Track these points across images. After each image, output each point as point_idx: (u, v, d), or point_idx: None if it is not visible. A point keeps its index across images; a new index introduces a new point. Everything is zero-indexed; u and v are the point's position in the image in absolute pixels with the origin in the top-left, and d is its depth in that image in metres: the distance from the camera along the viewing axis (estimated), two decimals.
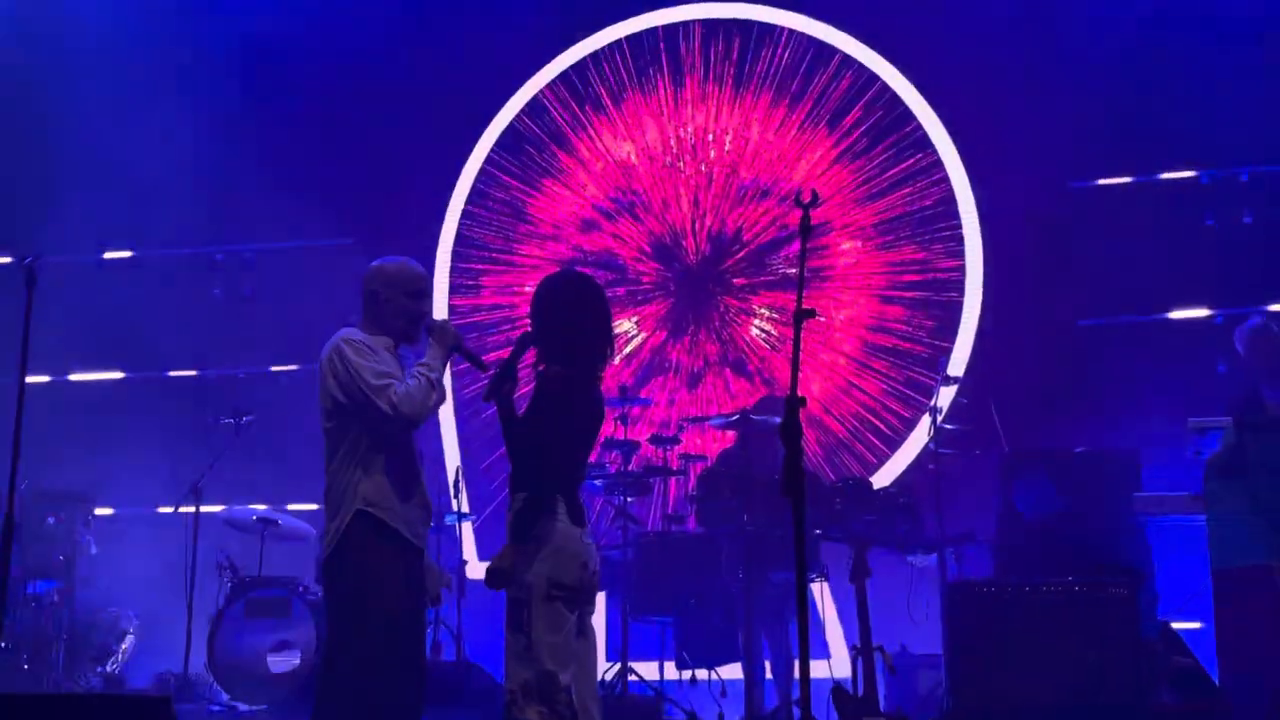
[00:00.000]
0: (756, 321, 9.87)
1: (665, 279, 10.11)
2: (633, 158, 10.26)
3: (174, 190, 10.35)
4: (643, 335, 10.05)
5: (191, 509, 7.75)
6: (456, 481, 8.55)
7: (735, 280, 9.95)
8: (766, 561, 7.13)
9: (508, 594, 4.35)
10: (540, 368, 4.52)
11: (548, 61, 10.42)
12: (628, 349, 9.93)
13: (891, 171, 9.76)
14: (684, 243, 10.13)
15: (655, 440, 7.92)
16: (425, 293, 4.88)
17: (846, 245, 9.75)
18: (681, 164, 10.24)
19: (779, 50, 10.10)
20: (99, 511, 9.40)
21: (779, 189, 10.02)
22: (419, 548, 4.76)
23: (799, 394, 3.68)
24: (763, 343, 9.85)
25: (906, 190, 9.70)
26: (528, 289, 10.14)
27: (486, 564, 4.38)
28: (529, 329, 4.59)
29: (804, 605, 3.56)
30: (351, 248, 10.17)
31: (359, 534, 4.62)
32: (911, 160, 9.70)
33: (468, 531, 9.39)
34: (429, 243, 10.23)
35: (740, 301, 9.92)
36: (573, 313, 4.49)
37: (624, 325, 9.95)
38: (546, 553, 4.29)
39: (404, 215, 10.29)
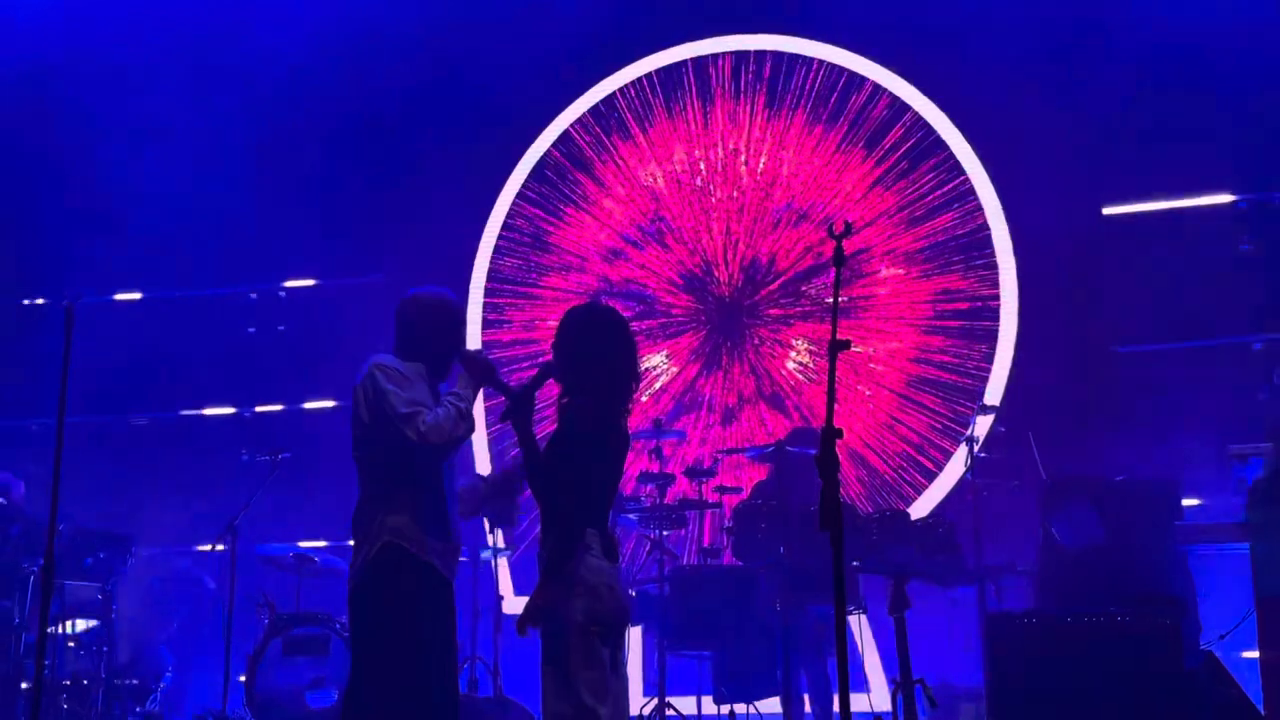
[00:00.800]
0: (793, 354, 9.83)
1: (696, 311, 10.10)
2: (659, 182, 10.24)
3: (207, 230, 10.47)
4: (674, 370, 10.04)
5: (228, 547, 7.77)
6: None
7: (770, 311, 9.92)
8: (804, 594, 7.10)
9: (543, 629, 4.35)
10: (564, 401, 4.52)
11: (579, 95, 10.49)
12: (658, 384, 9.91)
13: (932, 196, 9.68)
14: (715, 273, 10.10)
15: (690, 473, 7.91)
16: (459, 322, 4.91)
17: (886, 273, 9.67)
18: (711, 189, 10.18)
19: (812, 72, 10.06)
20: (142, 550, 9.48)
21: (815, 213, 9.92)
22: (447, 579, 4.75)
23: (835, 426, 3.69)
24: (800, 376, 9.80)
25: (949, 215, 9.62)
26: (551, 323, 10.17)
27: (523, 600, 4.38)
28: (549, 359, 4.61)
29: (843, 638, 3.56)
30: (383, 283, 10.23)
31: (386, 566, 4.62)
32: (952, 185, 9.67)
33: (503, 567, 9.39)
34: (462, 277, 10.29)
35: (775, 333, 9.89)
36: (597, 345, 4.50)
37: (654, 360, 9.94)
38: (582, 589, 4.30)
39: (436, 250, 10.35)
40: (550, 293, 10.37)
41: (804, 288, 9.90)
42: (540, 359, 9.88)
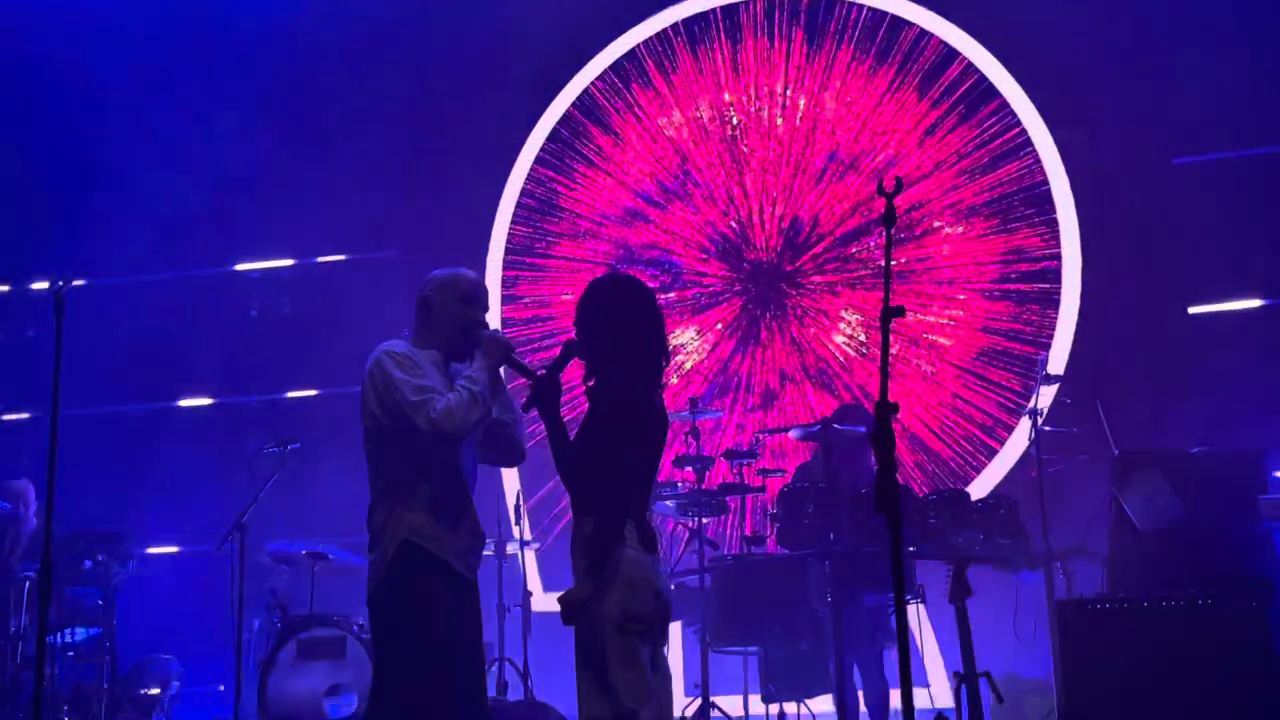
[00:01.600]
0: (842, 326, 9.75)
1: (730, 280, 10.05)
2: (684, 133, 10.08)
3: (205, 207, 10.49)
4: (706, 348, 10.00)
5: (236, 545, 7.78)
6: (518, 507, 8.54)
7: (814, 278, 9.85)
8: (857, 583, 7.08)
9: (577, 628, 4.32)
10: (590, 383, 4.51)
11: (598, 53, 10.43)
12: (688, 365, 9.85)
13: (996, 143, 9.52)
14: (751, 235, 10.02)
15: (730, 456, 7.88)
16: (479, 300, 4.89)
17: (947, 230, 9.55)
18: (744, 139, 10.01)
19: (855, 10, 9.89)
20: (150, 550, 9.52)
21: (863, 164, 9.78)
22: (470, 579, 4.76)
23: (890, 400, 3.63)
24: (849, 351, 9.73)
25: (1014, 165, 9.46)
26: (565, 297, 10.17)
27: (556, 596, 4.35)
28: (572, 338, 4.59)
29: (904, 629, 3.50)
30: (396, 260, 10.24)
31: (405, 566, 4.62)
32: (1018, 129, 9.50)
33: (531, 561, 9.39)
34: (478, 250, 10.27)
35: (820, 303, 9.83)
36: (622, 321, 4.49)
37: (683, 337, 9.90)
38: (619, 583, 4.27)
39: (450, 223, 10.34)
40: (562, 263, 10.31)
41: (852, 250, 9.77)
42: (558, 337, 9.87)
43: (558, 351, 4.58)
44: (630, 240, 10.21)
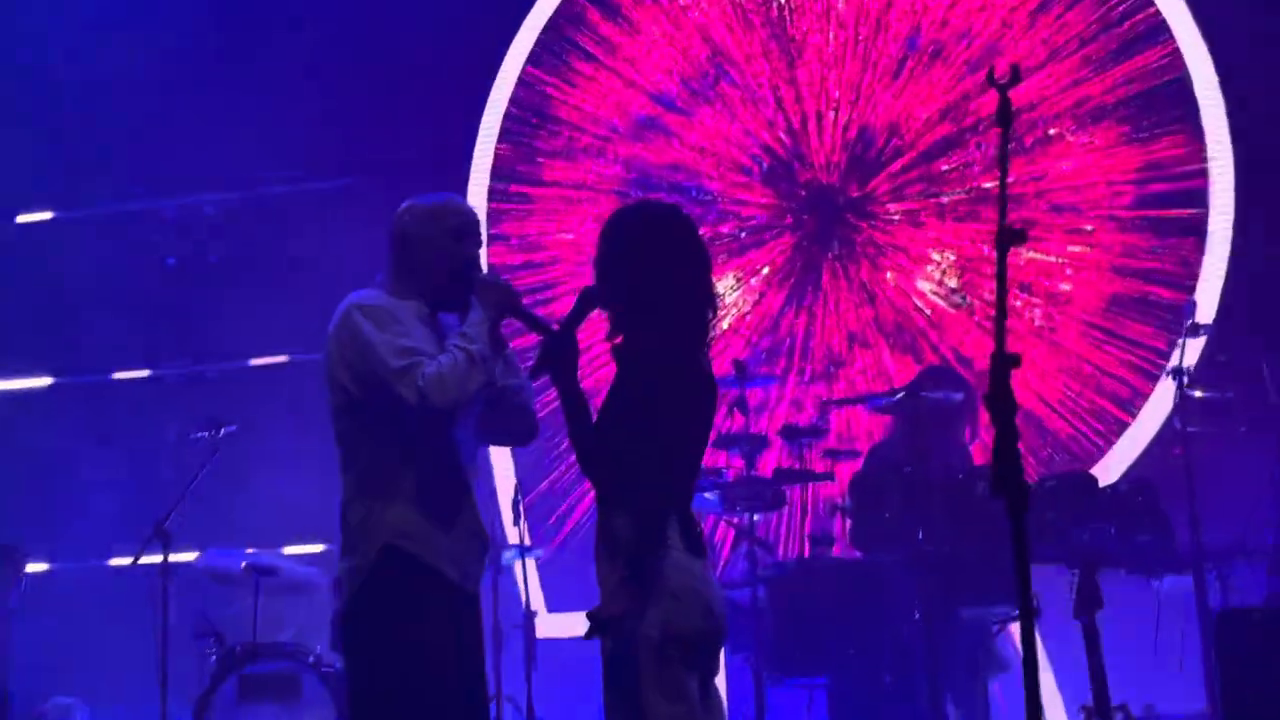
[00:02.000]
0: (929, 269, 9.74)
1: (779, 211, 10.04)
2: (716, 15, 10.02)
3: (110, 130, 10.53)
4: (749, 300, 10.00)
5: (158, 558, 7.80)
6: (517, 503, 8.55)
7: (890, 206, 9.84)
8: (953, 593, 7.11)
9: (605, 650, 4.33)
10: (616, 342, 4.53)
11: None
12: (725, 322, 9.82)
13: (1127, 25, 9.45)
14: (806, 151, 9.99)
15: (788, 434, 7.90)
16: (473, 234, 4.90)
17: (1068, 137, 9.49)
18: (793, 21, 9.96)
19: None
20: (31, 568, 9.53)
21: (955, 53, 9.72)
22: (470, 592, 4.77)
23: (1009, 352, 3.60)
24: (938, 302, 9.71)
25: (1151, 54, 9.39)
26: (561, 236, 10.17)
27: (586, 613, 4.35)
28: (590, 285, 4.60)
29: (1032, 650, 3.49)
30: (353, 190, 10.26)
31: (388, 576, 4.63)
32: (1151, 11, 9.41)
33: (532, 572, 9.40)
34: (454, 176, 10.26)
35: (899, 238, 9.82)
36: (659, 260, 4.49)
37: (718, 285, 9.89)
38: (659, 594, 4.27)
39: (420, 142, 10.33)
40: (559, 193, 10.31)
41: (942, 168, 9.73)
42: (560, 290, 9.86)
43: (563, 306, 4.59)
44: (645, 160, 10.21)
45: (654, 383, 4.39)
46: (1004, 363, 3.61)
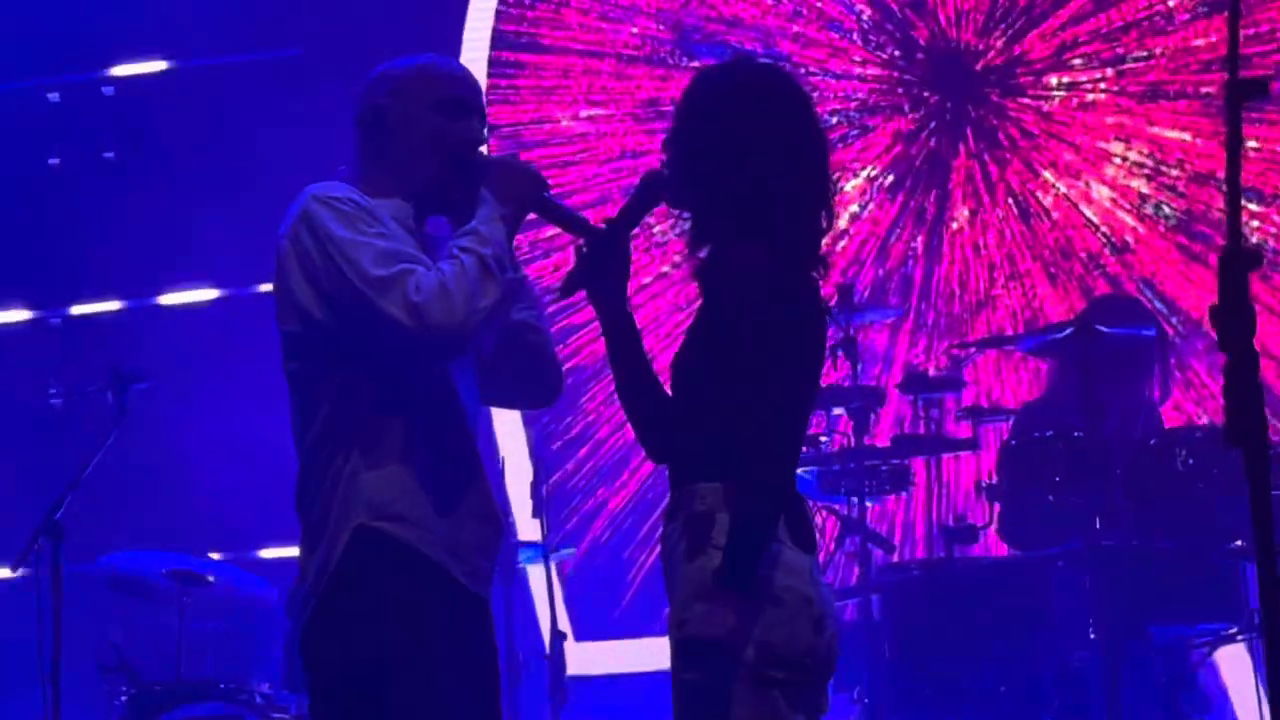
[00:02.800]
0: (1108, 170, 9.75)
1: (888, 86, 10.11)
2: None
3: None
4: (845, 213, 10.05)
5: (44, 562, 7.82)
6: (538, 487, 8.55)
7: (1047, 79, 9.88)
8: (1142, 605, 7.14)
9: (685, 684, 4.30)
10: (702, 253, 4.50)
11: None
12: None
13: None
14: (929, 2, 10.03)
15: (913, 386, 7.92)
16: (469, 104, 4.88)
17: None
18: None
19: None
20: None
21: None
22: (477, 594, 4.76)
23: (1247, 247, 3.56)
24: (1123, 217, 9.71)
25: None
26: (568, 125, 10.18)
27: (674, 633, 4.32)
28: (656, 169, 4.60)
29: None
30: (300, 61, 10.37)
31: (365, 570, 4.61)
32: None
33: (556, 580, 9.40)
34: (441, 45, 10.28)
35: (1064, 128, 9.86)
36: (764, 142, 4.46)
37: None
38: (760, 598, 4.27)
39: (394, 3, 10.36)
40: (559, 60, 10.34)
41: (1125, 20, 9.70)
42: (584, 195, 9.85)
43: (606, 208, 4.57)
44: (717, 11, 10.23)
45: (763, 310, 4.35)
46: (1239, 261, 3.57)
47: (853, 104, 10.15)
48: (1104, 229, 9.76)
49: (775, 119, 4.52)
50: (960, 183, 10.01)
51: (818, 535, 8.59)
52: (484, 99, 4.96)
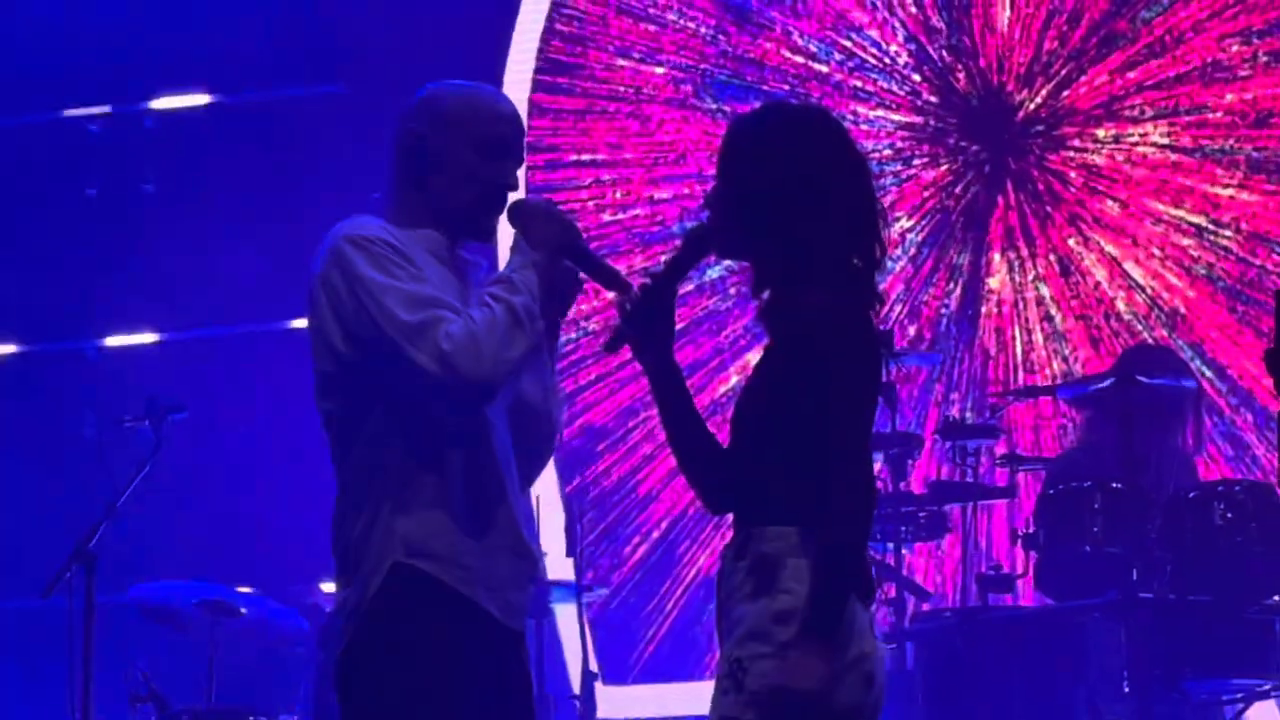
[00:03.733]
0: (1156, 228, 9.62)
1: (926, 134, 10.04)
2: None
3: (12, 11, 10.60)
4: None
5: (76, 591, 7.81)
6: (572, 526, 8.51)
7: (1096, 130, 9.78)
8: (1178, 657, 7.08)
9: (722, 711, 4.23)
10: (763, 298, 4.47)
11: None
12: None
13: None
14: (970, 40, 9.95)
15: (950, 432, 7.90)
16: (509, 146, 4.84)
17: None
18: None
19: None
20: None
21: None
22: (513, 630, 4.74)
23: None
24: (1167, 273, 9.62)
25: None
26: (604, 160, 10.17)
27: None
28: (702, 221, 4.55)
29: None
30: (343, 97, 10.35)
31: (400, 606, 4.59)
32: None
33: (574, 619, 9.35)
34: (484, 74, 10.29)
35: (1101, 177, 9.76)
36: (820, 184, 4.42)
37: None
38: (846, 662, 4.23)
39: (438, 42, 10.34)
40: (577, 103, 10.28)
41: (1165, 74, 9.61)
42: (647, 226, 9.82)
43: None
44: (740, 51, 10.16)
45: (831, 351, 4.31)
46: None
47: (885, 153, 10.07)
48: (1150, 289, 9.68)
49: (819, 157, 4.47)
50: (999, 237, 9.93)
51: None
52: (522, 130, 4.91)
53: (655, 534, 9.98)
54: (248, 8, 10.49)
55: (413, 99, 4.88)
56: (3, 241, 10.68)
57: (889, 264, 9.59)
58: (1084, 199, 9.84)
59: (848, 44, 10.10)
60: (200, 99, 10.83)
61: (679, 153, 10.24)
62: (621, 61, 10.34)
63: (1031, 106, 9.93)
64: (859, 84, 10.08)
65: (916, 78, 10.07)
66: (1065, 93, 9.90)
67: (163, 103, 10.87)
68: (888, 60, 10.07)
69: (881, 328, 8.02)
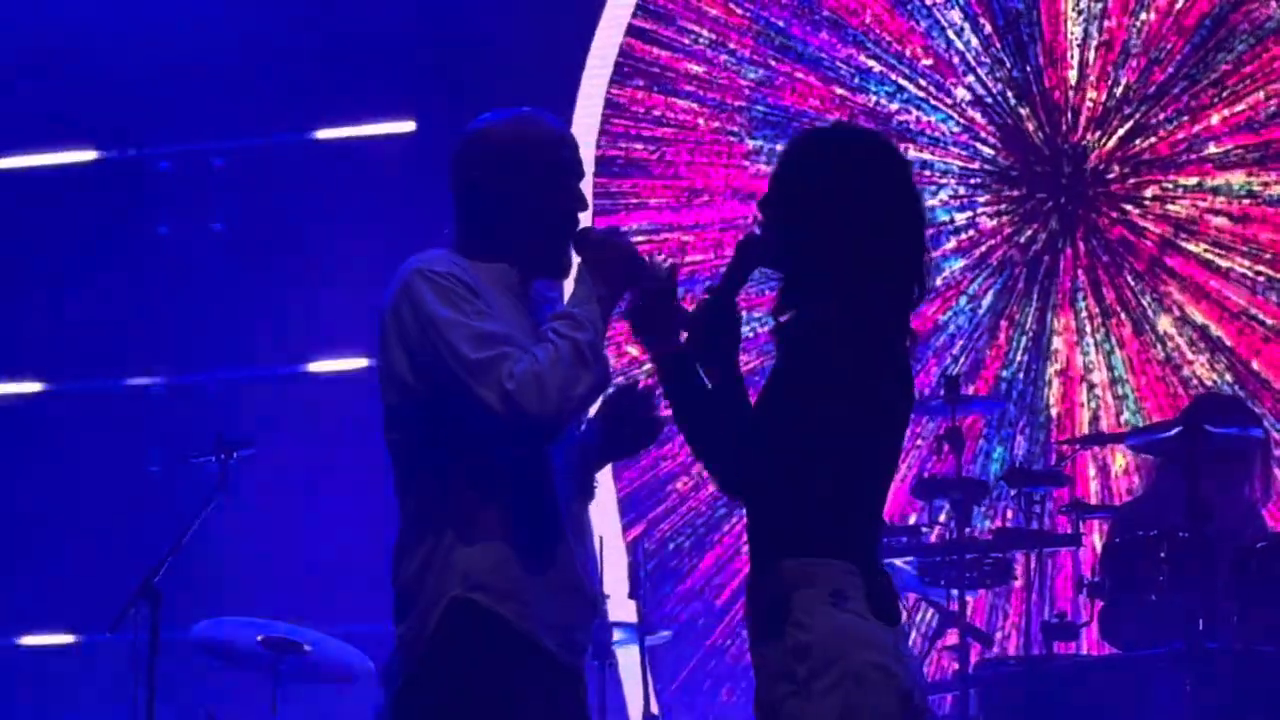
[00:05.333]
0: (1236, 284, 9.57)
1: (990, 181, 10.00)
2: None
3: (89, 56, 10.63)
4: (939, 314, 9.98)
5: (141, 627, 7.82)
6: (636, 566, 8.51)
7: (1165, 178, 9.73)
8: (1245, 710, 7.07)
9: None
10: (785, 317, 4.48)
11: None
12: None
13: None
14: (1045, 85, 9.90)
15: (1015, 479, 7.86)
16: (568, 167, 4.83)
17: None
18: None
19: None
20: None
21: None
22: (573, 668, 4.73)
23: None
24: (1245, 330, 9.57)
25: None
26: (676, 212, 10.14)
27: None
28: (754, 232, 4.56)
29: None
30: (412, 137, 10.38)
31: (459, 642, 4.59)
32: None
33: (634, 660, 9.34)
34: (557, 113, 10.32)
35: (1179, 229, 9.72)
36: (863, 204, 4.43)
37: None
38: (838, 674, 4.19)
39: (506, 80, 10.37)
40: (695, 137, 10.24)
41: (1255, 115, 9.53)
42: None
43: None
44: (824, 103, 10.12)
45: (829, 379, 4.32)
46: None
47: (944, 198, 10.07)
48: (1229, 349, 9.63)
49: (874, 184, 4.48)
50: (1066, 291, 9.89)
51: (913, 626, 8.63)
52: (579, 160, 4.83)
53: (717, 576, 9.97)
54: (315, 46, 10.54)
55: (460, 140, 4.87)
56: (74, 278, 10.67)
57: (954, 316, 9.68)
58: (1159, 252, 9.78)
59: (904, 82, 10.07)
60: (268, 137, 10.88)
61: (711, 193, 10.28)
62: (682, 103, 10.37)
63: (1103, 152, 9.88)
64: (910, 120, 10.05)
65: (980, 121, 10.02)
66: (1140, 139, 9.84)
67: (231, 141, 10.93)
68: (946, 98, 10.03)
69: (951, 372, 8.06)
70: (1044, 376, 9.89)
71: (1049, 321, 9.93)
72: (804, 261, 4.47)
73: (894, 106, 10.06)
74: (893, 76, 10.06)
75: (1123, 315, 9.82)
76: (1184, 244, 9.74)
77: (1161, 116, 9.78)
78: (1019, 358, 9.92)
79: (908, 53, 10.04)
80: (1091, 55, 9.85)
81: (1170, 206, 9.79)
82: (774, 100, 10.24)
